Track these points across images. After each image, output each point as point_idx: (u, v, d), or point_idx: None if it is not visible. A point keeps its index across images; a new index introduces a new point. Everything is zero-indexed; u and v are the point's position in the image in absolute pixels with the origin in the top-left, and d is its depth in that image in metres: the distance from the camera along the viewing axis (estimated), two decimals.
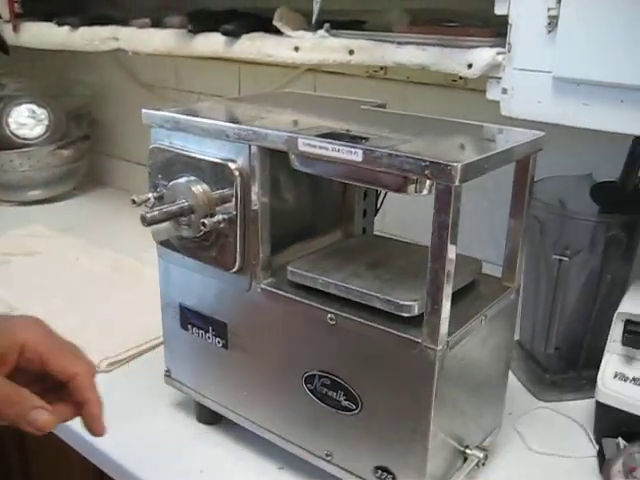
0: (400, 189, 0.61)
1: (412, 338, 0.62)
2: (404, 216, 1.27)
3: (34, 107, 1.72)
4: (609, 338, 0.85)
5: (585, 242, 0.90)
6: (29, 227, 1.56)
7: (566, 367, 0.97)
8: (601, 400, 0.84)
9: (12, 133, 1.70)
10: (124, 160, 1.88)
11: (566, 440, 0.87)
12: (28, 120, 1.71)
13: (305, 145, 0.63)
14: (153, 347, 1.04)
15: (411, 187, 0.60)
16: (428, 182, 0.59)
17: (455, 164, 0.54)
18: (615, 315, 0.84)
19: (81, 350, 0.65)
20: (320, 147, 0.62)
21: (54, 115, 1.74)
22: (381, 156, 0.58)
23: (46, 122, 1.73)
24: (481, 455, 0.73)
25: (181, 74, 1.65)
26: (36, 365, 0.60)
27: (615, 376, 0.84)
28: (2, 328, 0.60)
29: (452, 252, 0.58)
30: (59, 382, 0.61)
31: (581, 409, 0.93)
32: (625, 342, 0.84)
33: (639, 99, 0.70)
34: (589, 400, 0.89)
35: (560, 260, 0.87)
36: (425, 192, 0.60)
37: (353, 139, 0.62)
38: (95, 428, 0.62)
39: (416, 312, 0.63)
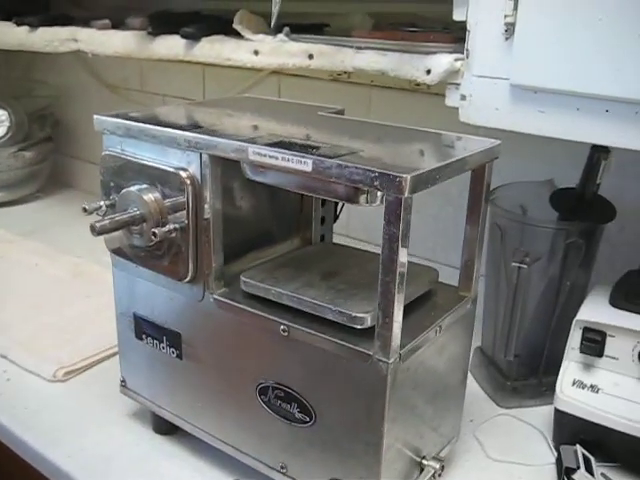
0: (352, 200, 0.60)
1: (364, 351, 0.61)
2: (368, 220, 1.27)
3: None
4: (567, 345, 0.85)
5: (545, 249, 0.90)
6: None
7: (527, 374, 0.97)
8: (559, 407, 0.84)
9: None
10: (88, 162, 1.86)
11: (526, 447, 0.87)
12: None
13: (255, 154, 0.62)
14: (110, 355, 1.02)
15: (362, 198, 0.59)
16: (379, 193, 0.59)
17: (404, 175, 0.53)
18: (573, 322, 0.84)
19: None
20: (270, 156, 0.61)
21: (16, 116, 1.71)
22: (330, 167, 0.57)
23: (7, 123, 1.69)
24: (437, 466, 0.72)
25: (146, 76, 1.63)
26: None
27: (573, 383, 0.84)
28: None
29: (403, 264, 0.57)
30: None
31: (542, 416, 0.93)
32: (583, 350, 0.84)
33: (595, 107, 0.70)
34: (549, 407, 0.89)
35: (519, 267, 0.87)
36: (377, 203, 0.60)
37: (304, 148, 0.61)
38: None
39: (369, 324, 0.62)
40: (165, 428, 0.86)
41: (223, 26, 1.10)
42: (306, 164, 0.58)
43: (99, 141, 1.86)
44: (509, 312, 0.90)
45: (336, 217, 0.88)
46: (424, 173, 0.56)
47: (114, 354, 1.01)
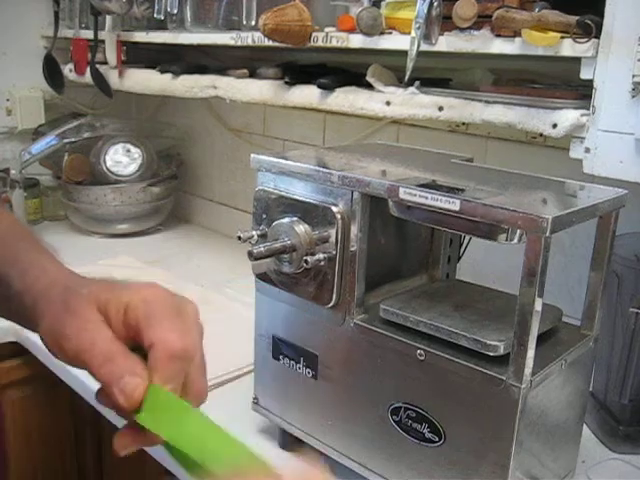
0: (491, 237, 0.66)
1: (498, 376, 0.67)
2: (478, 265, 1.32)
3: (129, 146, 1.83)
4: None
5: None
6: (118, 258, 1.66)
7: None
8: None
9: (108, 169, 1.81)
10: (207, 200, 1.98)
11: None
12: (123, 158, 1.83)
13: (406, 194, 0.69)
14: (238, 376, 1.10)
15: (502, 236, 0.66)
16: (519, 232, 0.65)
17: (547, 216, 0.60)
18: None
19: (194, 321, 0.54)
20: (420, 196, 0.68)
21: (147, 154, 1.85)
22: (477, 206, 0.64)
23: (139, 161, 1.84)
24: None
25: (269, 121, 1.74)
26: (132, 332, 0.52)
27: None
28: (118, 288, 0.54)
29: (540, 296, 0.63)
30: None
31: None
32: None
33: None
34: None
35: (637, 313, 0.90)
36: (515, 241, 0.66)
37: (450, 190, 0.68)
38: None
39: (501, 351, 0.68)
40: (290, 444, 0.93)
41: (353, 78, 1.19)
42: (454, 204, 0.65)
43: (218, 181, 1.98)
44: (625, 356, 0.93)
45: (459, 257, 0.94)
46: (563, 215, 0.62)
47: (241, 375, 1.09)
